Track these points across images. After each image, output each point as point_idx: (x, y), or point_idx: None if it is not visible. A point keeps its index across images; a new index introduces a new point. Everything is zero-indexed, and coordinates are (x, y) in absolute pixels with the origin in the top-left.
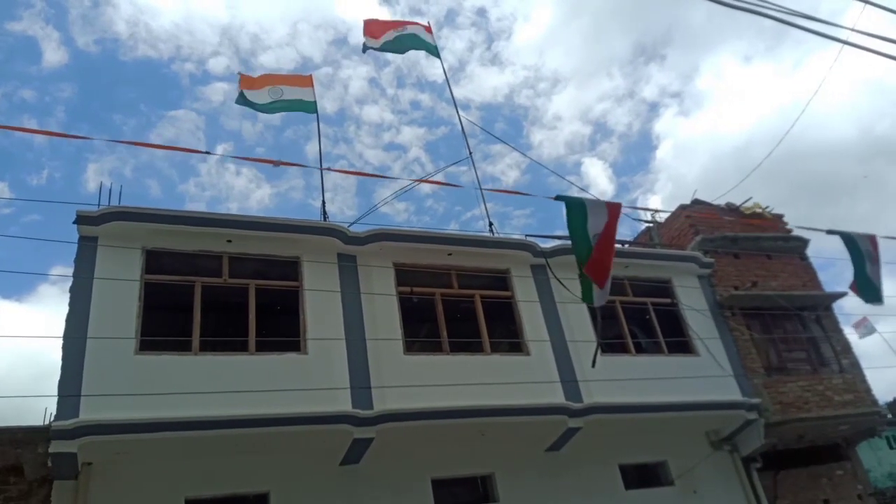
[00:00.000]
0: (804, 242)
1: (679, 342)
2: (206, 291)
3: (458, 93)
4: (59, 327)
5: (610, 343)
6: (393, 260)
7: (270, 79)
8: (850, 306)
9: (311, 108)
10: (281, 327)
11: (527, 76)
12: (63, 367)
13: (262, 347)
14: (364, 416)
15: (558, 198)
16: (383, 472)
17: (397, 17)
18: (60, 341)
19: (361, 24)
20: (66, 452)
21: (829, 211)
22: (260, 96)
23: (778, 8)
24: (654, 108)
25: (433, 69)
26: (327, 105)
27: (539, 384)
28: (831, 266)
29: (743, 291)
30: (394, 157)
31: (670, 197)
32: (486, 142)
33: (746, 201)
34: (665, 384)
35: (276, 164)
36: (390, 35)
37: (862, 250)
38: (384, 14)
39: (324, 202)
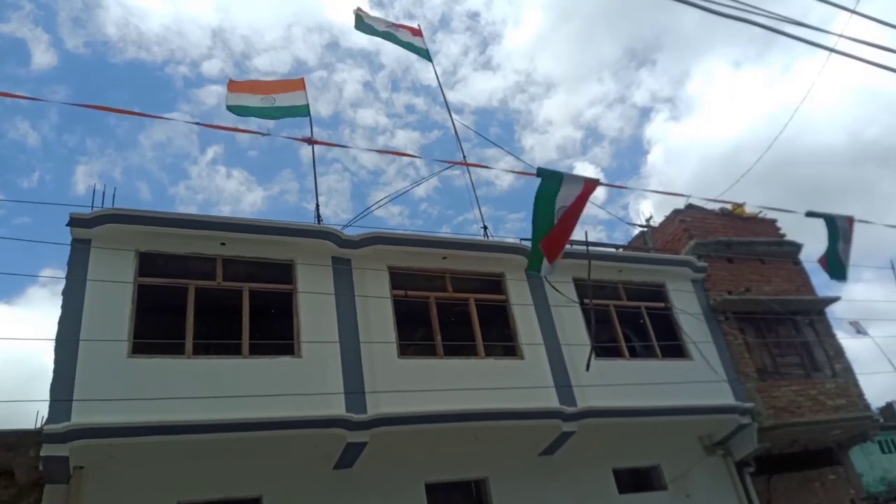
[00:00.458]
0: (797, 247)
1: (673, 346)
2: (200, 294)
3: (452, 97)
4: (49, 330)
5: (604, 347)
6: (387, 263)
7: (260, 86)
8: (841, 311)
9: (304, 111)
10: (275, 330)
11: (518, 80)
12: (55, 370)
13: (256, 351)
14: (358, 420)
15: (539, 171)
16: (377, 476)
17: (390, 20)
18: (52, 344)
19: (354, 28)
20: (57, 456)
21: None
22: (251, 100)
23: (768, 14)
24: (645, 113)
25: (428, 73)
26: (322, 108)
27: (533, 388)
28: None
29: (736, 296)
30: (388, 161)
31: (662, 201)
32: (481, 146)
33: (740, 206)
34: (659, 388)
35: (266, 135)
36: (381, 26)
37: (839, 228)
38: (375, 15)
39: (318, 205)
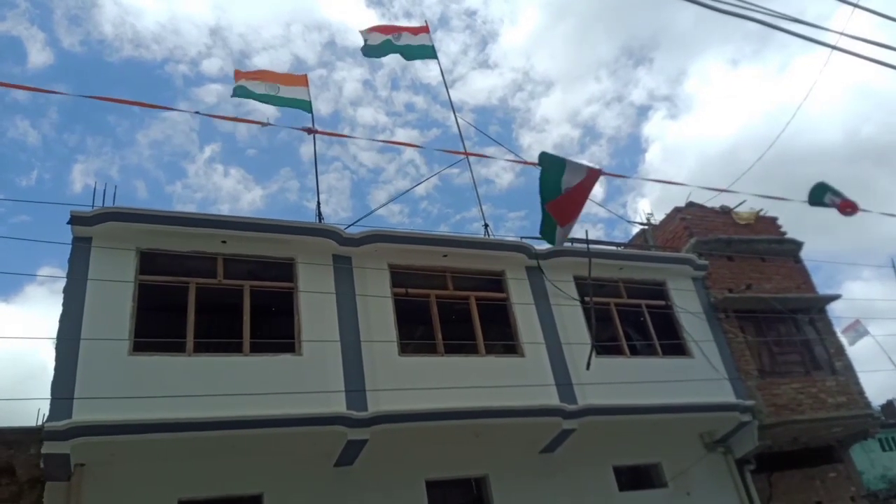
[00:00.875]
0: (798, 245)
1: (673, 344)
2: (201, 292)
3: (452, 95)
4: (48, 328)
5: (604, 345)
6: (388, 261)
7: (266, 75)
8: (840, 310)
9: (306, 106)
10: (275, 328)
11: (515, 79)
12: (56, 368)
13: (257, 349)
14: (358, 418)
15: (541, 156)
16: (377, 473)
17: (389, 19)
18: (51, 342)
19: (353, 27)
20: (58, 453)
21: (818, 213)
22: (257, 87)
23: (765, 11)
24: (642, 112)
25: (427, 71)
26: (322, 107)
27: (533, 386)
28: (826, 268)
29: (737, 294)
30: (388, 159)
31: (660, 199)
32: (480, 143)
33: (740, 204)
34: (659, 386)
35: (265, 125)
36: (376, 39)
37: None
38: (373, 16)
39: (319, 203)
